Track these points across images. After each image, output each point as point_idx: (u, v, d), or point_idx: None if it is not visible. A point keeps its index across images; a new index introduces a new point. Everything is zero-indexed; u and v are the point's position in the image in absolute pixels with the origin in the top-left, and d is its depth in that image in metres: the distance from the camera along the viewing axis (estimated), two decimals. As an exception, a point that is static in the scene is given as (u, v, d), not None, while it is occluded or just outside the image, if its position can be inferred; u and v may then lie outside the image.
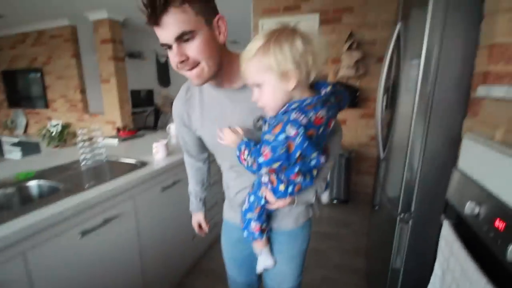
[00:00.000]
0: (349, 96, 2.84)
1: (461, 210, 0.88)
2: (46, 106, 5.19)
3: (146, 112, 5.61)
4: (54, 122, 4.98)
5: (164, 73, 6.31)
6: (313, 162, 0.70)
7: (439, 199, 1.15)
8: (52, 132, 4.66)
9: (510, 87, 0.76)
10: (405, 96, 1.25)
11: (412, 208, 1.21)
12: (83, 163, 1.49)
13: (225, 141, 0.74)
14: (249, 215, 0.83)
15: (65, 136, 4.80)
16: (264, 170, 0.68)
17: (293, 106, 0.61)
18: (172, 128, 2.47)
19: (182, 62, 0.63)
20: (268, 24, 3.04)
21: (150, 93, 5.92)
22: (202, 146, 0.95)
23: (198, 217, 1.11)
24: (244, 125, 0.75)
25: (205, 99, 0.81)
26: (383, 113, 1.50)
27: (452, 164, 1.10)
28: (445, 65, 1.05)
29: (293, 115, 0.59)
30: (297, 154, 0.62)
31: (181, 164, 1.61)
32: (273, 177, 0.72)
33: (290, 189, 0.72)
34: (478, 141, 0.88)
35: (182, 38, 0.60)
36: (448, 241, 0.87)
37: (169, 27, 0.59)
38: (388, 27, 2.69)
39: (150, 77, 5.96)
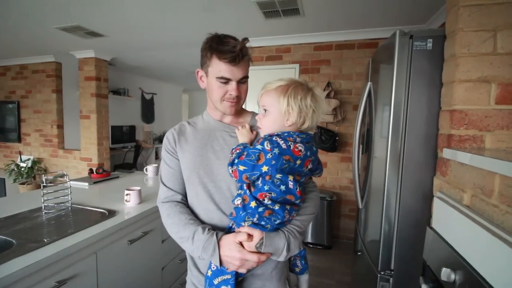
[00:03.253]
0: (331, 139, 2.94)
1: (438, 275, 0.86)
2: (19, 139, 4.95)
3: (126, 148, 5.47)
4: (24, 157, 4.71)
5: (148, 109, 6.33)
6: (282, 187, 0.72)
7: (418, 258, 1.13)
8: (21, 168, 4.38)
9: (474, 154, 0.80)
10: (379, 143, 1.29)
11: (392, 266, 1.18)
12: (45, 211, 1.37)
13: (239, 133, 0.87)
14: (217, 281, 0.76)
15: (34, 172, 4.52)
16: (230, 170, 0.76)
17: (276, 134, 0.75)
18: (150, 169, 2.39)
19: (237, 96, 0.83)
20: (252, 71, 3.19)
21: (132, 129, 5.85)
22: (182, 178, 0.94)
23: (229, 239, 0.77)
24: (228, 153, 0.85)
25: (199, 131, 0.94)
26: (360, 158, 1.54)
27: (426, 221, 1.11)
28: (412, 123, 1.11)
29: (275, 138, 0.73)
30: (263, 168, 0.70)
31: (154, 212, 1.52)
32: (245, 195, 0.75)
33: (260, 209, 0.72)
34: (448, 202, 0.90)
35: (243, 79, 0.83)
36: (428, 309, 0.83)
37: (242, 68, 0.81)
38: (362, 78, 2.90)
39: (134, 113, 5.95)
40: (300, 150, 0.72)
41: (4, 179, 3.47)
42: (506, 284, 0.58)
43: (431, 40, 1.04)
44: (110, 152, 4.60)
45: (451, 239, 0.85)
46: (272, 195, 0.73)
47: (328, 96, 2.90)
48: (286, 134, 0.74)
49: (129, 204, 1.53)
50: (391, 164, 1.14)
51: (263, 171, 0.71)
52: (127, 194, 1.52)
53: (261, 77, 3.27)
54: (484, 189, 0.74)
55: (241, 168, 0.73)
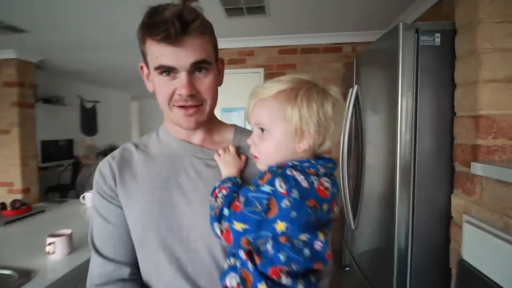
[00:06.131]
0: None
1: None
2: None
3: (62, 167, 4.63)
4: None
5: (89, 120, 5.51)
6: (306, 252, 0.45)
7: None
8: None
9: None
10: (378, 153, 1.11)
11: (407, 302, 0.98)
12: None
13: (221, 160, 0.58)
14: None
15: None
16: (218, 230, 0.47)
17: (290, 164, 0.48)
18: (88, 197, 1.89)
19: (191, 95, 0.52)
20: (212, 75, 2.89)
21: (69, 143, 5.01)
22: (130, 238, 0.59)
23: None
24: (206, 203, 0.54)
25: (155, 158, 0.62)
26: (345, 170, 1.35)
27: (443, 248, 0.94)
28: (422, 131, 0.94)
29: (289, 172, 0.46)
30: (278, 226, 0.43)
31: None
32: (246, 271, 0.46)
33: None
34: (487, 230, 0.72)
35: (199, 66, 0.53)
36: None
37: (189, 50, 0.51)
38: (329, 83, 2.81)
39: (72, 124, 5.11)
40: (327, 188, 0.47)
41: None
42: None
43: (438, 34, 0.89)
44: (41, 173, 3.80)
45: (499, 279, 0.67)
46: (293, 267, 0.45)
47: (296, 102, 2.74)
48: (306, 164, 0.48)
49: (54, 256, 1.08)
50: (401, 178, 0.95)
51: (277, 231, 0.44)
52: (50, 244, 1.07)
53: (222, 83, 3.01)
54: (555, 219, 0.57)
55: (238, 227, 0.45)
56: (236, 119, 2.99)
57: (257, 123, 0.52)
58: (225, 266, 0.51)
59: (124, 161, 0.61)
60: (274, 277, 0.45)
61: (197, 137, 0.62)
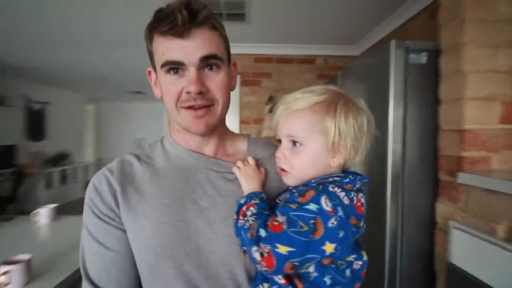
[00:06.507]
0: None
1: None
2: None
3: (1, 177, 4.01)
4: None
5: (36, 123, 4.89)
6: (348, 273, 0.44)
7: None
8: None
9: (510, 181, 0.71)
10: (366, 163, 1.15)
11: (398, 307, 1.02)
12: None
13: (241, 173, 0.54)
14: None
15: None
16: (257, 254, 0.41)
17: (331, 179, 0.46)
18: (42, 214, 1.64)
19: (200, 93, 0.48)
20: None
21: (10, 149, 4.37)
22: (134, 267, 0.51)
23: None
24: (227, 222, 0.50)
25: (163, 172, 0.55)
26: None
27: (428, 253, 1.00)
28: (410, 143, 1.00)
29: (331, 188, 0.43)
30: (326, 248, 0.40)
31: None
32: None
33: None
34: (475, 235, 0.79)
35: (209, 62, 0.48)
36: None
37: (198, 43, 0.47)
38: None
39: (14, 129, 4.47)
40: (363, 204, 0.45)
41: None
42: None
43: (425, 53, 0.97)
44: (-27, 185, 3.24)
45: (490, 280, 0.73)
46: None
47: (271, 110, 2.77)
48: (346, 179, 0.46)
49: (10, 289, 0.90)
50: (392, 187, 1.00)
51: (326, 253, 0.40)
52: (4, 273, 0.89)
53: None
54: (541, 224, 0.64)
55: (283, 250, 0.40)
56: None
57: (289, 135, 0.49)
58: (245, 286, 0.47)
59: (126, 175, 0.53)
60: None
61: (210, 147, 0.57)
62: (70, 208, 4.37)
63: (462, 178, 0.85)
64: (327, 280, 0.42)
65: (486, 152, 0.86)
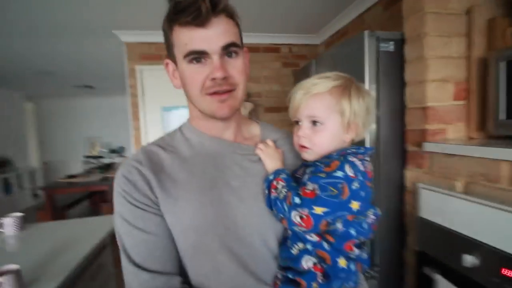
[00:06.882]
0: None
1: (447, 261, 0.91)
2: None
3: None
4: None
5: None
6: (365, 225, 0.54)
7: (399, 249, 1.20)
8: None
9: (466, 145, 0.89)
10: None
11: (378, 261, 1.20)
12: None
13: (264, 154, 0.60)
14: None
15: None
16: (297, 217, 0.49)
17: (349, 151, 0.54)
18: (7, 223, 1.48)
19: (224, 78, 0.52)
20: (149, 71, 2.66)
21: None
22: (175, 247, 0.55)
23: None
24: (257, 198, 0.57)
25: (191, 159, 0.59)
26: None
27: (399, 212, 1.18)
28: (383, 121, 1.16)
29: (351, 158, 0.52)
30: (353, 206, 0.49)
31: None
32: (322, 251, 0.52)
33: (352, 266, 0.53)
34: (440, 192, 0.96)
35: (229, 49, 0.52)
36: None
37: (219, 32, 0.50)
38: (270, 81, 2.99)
39: None
40: (371, 169, 0.55)
41: None
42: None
43: (392, 42, 1.11)
44: None
45: (455, 226, 0.91)
46: (360, 239, 0.54)
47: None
48: (361, 151, 0.55)
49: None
50: (370, 159, 1.15)
51: (353, 210, 0.50)
52: None
53: (159, 77, 2.79)
54: (489, 176, 0.83)
55: (319, 211, 0.48)
56: (179, 119, 2.84)
57: (310, 116, 0.56)
58: (294, 252, 0.54)
59: (155, 164, 0.56)
60: (348, 250, 0.52)
61: (230, 132, 0.62)
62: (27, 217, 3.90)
63: (427, 147, 1.02)
64: (353, 232, 0.52)
65: (443, 125, 1.05)
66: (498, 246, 0.76)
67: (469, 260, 0.82)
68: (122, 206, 0.53)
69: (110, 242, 1.49)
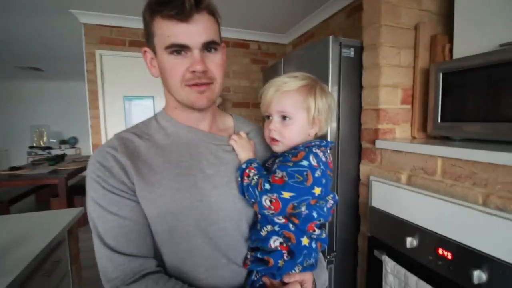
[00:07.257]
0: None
1: (395, 244, 1.05)
2: None
3: None
4: None
5: None
6: (325, 209, 0.61)
7: (353, 235, 1.33)
8: None
9: (410, 143, 1.03)
10: None
11: (335, 248, 1.32)
12: None
13: (238, 145, 0.66)
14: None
15: None
16: (267, 201, 0.55)
17: (313, 144, 0.62)
18: None
19: (203, 72, 0.55)
20: (110, 57, 2.51)
21: None
22: (149, 232, 0.57)
23: None
24: (230, 185, 0.62)
25: (167, 147, 0.62)
26: None
27: (355, 203, 1.32)
28: (343, 121, 1.27)
29: (314, 150, 0.59)
30: (315, 191, 0.56)
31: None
32: (288, 231, 0.58)
33: (313, 244, 0.60)
34: (388, 184, 1.11)
35: (209, 46, 0.56)
36: (399, 274, 1.00)
37: (201, 28, 0.53)
38: (239, 76, 3.01)
39: None
40: (331, 161, 0.63)
41: None
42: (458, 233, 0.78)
43: (352, 49, 1.23)
44: None
45: (400, 213, 1.05)
46: (321, 221, 0.61)
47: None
48: (323, 144, 0.62)
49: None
50: (331, 154, 1.26)
51: (316, 195, 0.56)
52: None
53: (122, 64, 2.65)
54: (427, 170, 0.97)
55: (287, 195, 0.54)
56: (143, 110, 2.72)
57: (280, 111, 0.62)
58: (263, 233, 0.60)
59: (131, 151, 0.58)
60: (310, 231, 0.59)
61: (205, 123, 0.66)
62: None
63: (378, 144, 1.16)
64: (315, 214, 0.59)
65: (392, 125, 1.19)
66: (434, 230, 0.91)
67: (410, 242, 0.96)
68: (96, 192, 0.54)
69: (67, 238, 1.41)
